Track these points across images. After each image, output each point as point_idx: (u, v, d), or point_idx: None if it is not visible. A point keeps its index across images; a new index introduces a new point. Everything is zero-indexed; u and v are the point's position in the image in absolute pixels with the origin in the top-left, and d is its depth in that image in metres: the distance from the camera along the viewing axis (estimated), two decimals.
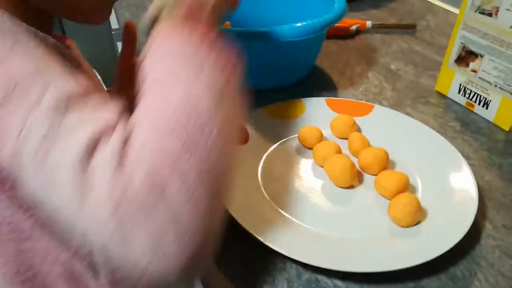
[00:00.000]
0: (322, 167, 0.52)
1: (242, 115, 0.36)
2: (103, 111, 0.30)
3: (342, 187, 0.49)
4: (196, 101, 0.30)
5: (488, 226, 0.46)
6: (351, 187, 0.49)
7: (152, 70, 0.33)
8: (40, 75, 0.30)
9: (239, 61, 0.36)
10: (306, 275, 0.41)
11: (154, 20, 0.39)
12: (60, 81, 0.30)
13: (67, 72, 0.32)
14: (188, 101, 0.30)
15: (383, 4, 1.03)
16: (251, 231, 0.42)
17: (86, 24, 0.43)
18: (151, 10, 0.40)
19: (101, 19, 0.43)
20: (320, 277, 0.41)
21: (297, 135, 0.56)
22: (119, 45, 1.41)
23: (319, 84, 0.72)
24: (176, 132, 0.29)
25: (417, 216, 0.44)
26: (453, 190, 0.48)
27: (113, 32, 1.35)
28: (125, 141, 0.29)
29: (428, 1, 1.05)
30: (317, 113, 0.60)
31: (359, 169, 0.52)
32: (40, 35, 0.34)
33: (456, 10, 0.99)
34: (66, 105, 0.29)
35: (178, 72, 0.32)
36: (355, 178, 0.49)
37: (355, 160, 0.52)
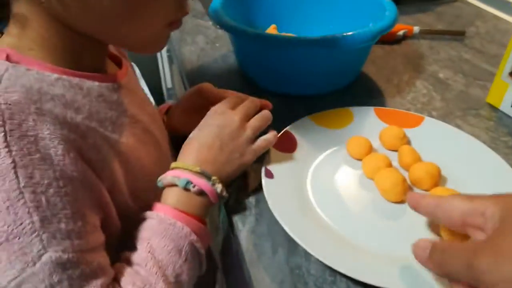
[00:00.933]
0: (372, 179, 0.51)
1: None
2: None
3: (392, 202, 0.49)
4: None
5: None
6: (401, 202, 0.49)
7: (139, 249, 0.42)
8: (43, 229, 0.33)
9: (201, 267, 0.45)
10: None
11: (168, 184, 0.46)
12: (60, 243, 0.34)
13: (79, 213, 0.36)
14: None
15: (430, 8, 1.01)
16: (300, 242, 0.42)
17: (142, 53, 0.45)
18: (169, 178, 0.45)
19: (158, 48, 0.46)
20: None
21: (345, 144, 0.56)
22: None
23: (366, 91, 0.71)
24: None
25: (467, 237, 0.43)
26: None
27: None
28: None
29: (477, 6, 1.02)
30: (365, 123, 0.60)
31: (410, 183, 0.51)
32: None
33: (505, 16, 0.96)
34: (61, 275, 0.33)
35: (153, 272, 0.40)
36: (406, 193, 0.48)
37: (405, 174, 0.52)
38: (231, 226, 0.49)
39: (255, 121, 0.52)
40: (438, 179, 0.50)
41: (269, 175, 0.50)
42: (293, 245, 0.45)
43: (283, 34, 0.76)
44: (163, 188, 0.46)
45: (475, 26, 0.93)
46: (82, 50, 0.42)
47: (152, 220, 0.43)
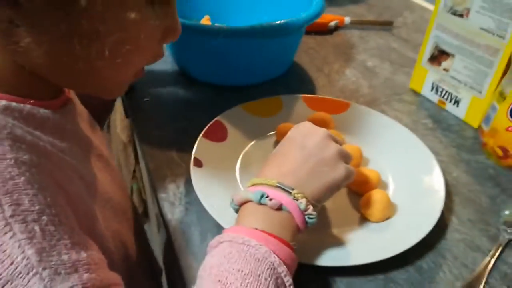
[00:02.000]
0: None
1: None
2: None
3: None
4: None
5: (454, 220, 0.49)
6: None
7: (209, 271, 0.33)
8: (42, 264, 0.26)
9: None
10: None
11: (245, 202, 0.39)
12: (66, 279, 0.27)
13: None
14: None
15: (361, 0, 1.05)
16: (224, 225, 0.43)
17: (103, 97, 0.43)
18: (243, 194, 0.39)
19: (121, 94, 0.41)
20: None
21: (275, 132, 0.58)
22: None
23: (298, 80, 0.73)
24: None
25: (387, 212, 0.46)
26: (423, 186, 0.50)
27: None
28: None
29: None
30: (294, 111, 0.61)
31: None
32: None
33: (432, 7, 1.01)
34: None
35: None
36: None
37: None
38: (161, 217, 0.50)
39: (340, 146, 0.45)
40: (359, 161, 0.53)
41: (198, 164, 0.51)
42: (221, 232, 0.46)
43: (216, 25, 0.76)
44: (237, 210, 0.40)
45: (403, 16, 0.97)
46: (35, 84, 0.36)
47: (222, 244, 0.35)
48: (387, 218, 0.47)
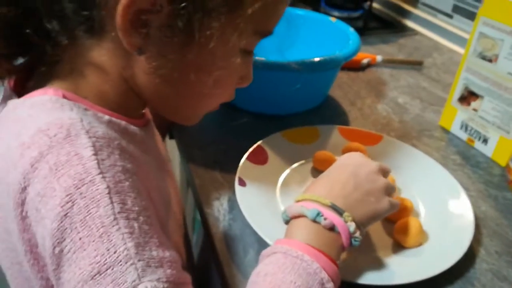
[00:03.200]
0: None
1: None
2: None
3: None
4: None
5: (482, 251, 0.51)
6: None
7: (262, 281, 0.37)
8: (138, 257, 0.30)
9: None
10: None
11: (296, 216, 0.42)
12: (155, 272, 0.30)
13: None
14: None
15: (392, 40, 1.10)
16: (270, 242, 0.47)
17: (178, 122, 0.48)
18: (296, 208, 0.42)
19: (193, 123, 0.47)
20: None
21: (311, 158, 0.62)
22: None
23: (332, 112, 0.77)
24: None
25: (420, 238, 0.49)
26: (452, 217, 0.53)
27: None
28: None
29: (435, 40, 1.12)
30: (330, 140, 0.66)
31: None
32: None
33: (460, 50, 1.06)
34: None
35: None
36: None
37: None
38: (206, 230, 0.54)
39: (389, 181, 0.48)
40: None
41: (242, 183, 0.55)
42: (263, 246, 0.49)
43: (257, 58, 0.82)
44: (287, 221, 0.43)
45: (432, 57, 1.02)
46: (131, 104, 0.42)
47: (276, 254, 0.38)
48: (420, 245, 0.50)
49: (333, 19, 0.83)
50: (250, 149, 0.60)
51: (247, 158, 0.59)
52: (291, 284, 0.35)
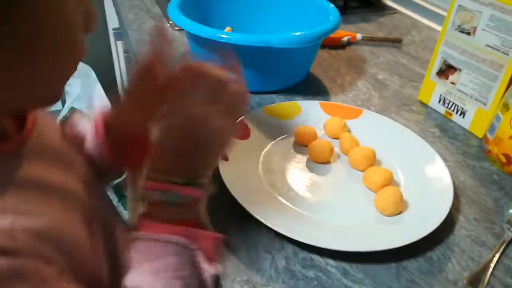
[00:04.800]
0: (317, 163, 0.57)
1: None
2: None
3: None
4: None
5: (461, 218, 0.53)
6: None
7: (134, 275, 0.35)
8: None
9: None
10: (302, 254, 0.46)
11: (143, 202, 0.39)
12: None
13: None
14: None
15: (372, 19, 1.10)
16: (253, 213, 0.47)
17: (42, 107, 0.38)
18: (155, 194, 0.39)
19: (57, 100, 0.37)
20: (315, 257, 0.46)
21: (293, 133, 0.62)
22: (119, 44, 1.45)
23: (313, 89, 0.77)
24: None
25: (400, 206, 0.50)
26: (431, 185, 0.54)
27: (113, 32, 1.39)
28: None
29: (414, 18, 1.13)
30: (311, 115, 0.66)
31: (349, 165, 0.57)
32: None
33: (438, 28, 1.07)
34: None
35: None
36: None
37: (345, 158, 0.58)
38: None
39: None
40: (373, 161, 0.57)
41: (224, 157, 0.54)
42: (246, 218, 0.49)
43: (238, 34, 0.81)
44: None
45: (411, 35, 1.03)
46: None
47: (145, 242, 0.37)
48: (400, 213, 0.50)
49: None
50: None
51: None
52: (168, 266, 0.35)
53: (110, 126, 0.48)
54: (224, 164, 0.53)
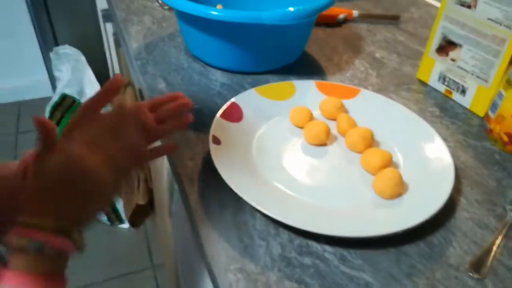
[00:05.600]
0: (312, 144, 0.55)
1: None
2: None
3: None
4: None
5: (462, 200, 0.51)
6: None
7: None
8: None
9: None
10: (298, 240, 0.44)
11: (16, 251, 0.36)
12: None
13: None
14: None
15: None
16: (246, 199, 0.45)
17: None
18: (21, 241, 0.36)
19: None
20: (310, 242, 0.44)
21: (288, 114, 0.59)
22: (108, 26, 1.41)
23: (309, 68, 0.75)
24: None
25: (399, 189, 0.48)
26: (432, 167, 0.52)
27: (101, 13, 1.34)
28: None
29: None
30: (307, 95, 0.63)
31: (346, 147, 0.55)
32: None
33: (437, 4, 1.03)
34: None
35: None
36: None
37: (342, 139, 0.56)
38: (180, 192, 0.51)
39: None
40: (371, 142, 0.54)
41: (216, 141, 0.52)
42: (239, 205, 0.47)
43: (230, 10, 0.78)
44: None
45: (409, 12, 0.99)
46: None
47: None
48: (399, 196, 0.48)
49: None
50: (224, 107, 0.58)
51: (221, 116, 0.56)
52: None
53: None
54: (216, 148, 0.51)
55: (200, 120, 0.59)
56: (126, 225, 1.72)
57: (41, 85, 2.07)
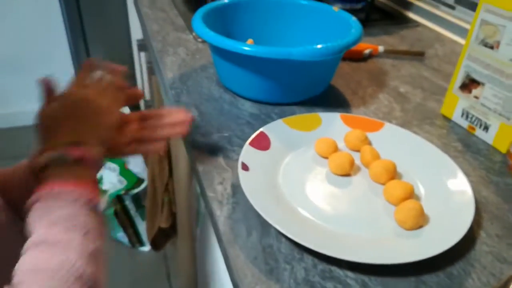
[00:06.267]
0: (337, 174, 0.58)
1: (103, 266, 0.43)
2: None
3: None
4: (71, 265, 0.38)
5: (482, 234, 0.52)
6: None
7: (38, 230, 0.40)
8: None
9: (104, 222, 0.46)
10: (321, 265, 0.47)
11: (44, 166, 0.45)
12: None
13: None
14: (64, 265, 0.38)
15: (395, 31, 1.10)
16: (273, 223, 0.48)
17: None
18: (42, 158, 0.45)
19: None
20: (333, 268, 0.46)
21: (313, 145, 0.62)
22: (142, 55, 1.49)
23: (334, 101, 0.78)
24: None
25: (420, 220, 0.50)
26: (453, 200, 0.53)
27: (137, 43, 1.42)
28: None
29: (437, 31, 1.12)
30: (332, 127, 0.66)
31: (370, 178, 0.58)
32: None
33: (462, 41, 1.06)
34: None
35: (59, 239, 0.40)
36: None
37: (366, 171, 0.59)
38: (210, 214, 0.54)
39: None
40: (394, 174, 0.57)
41: (245, 168, 0.55)
42: (265, 228, 0.50)
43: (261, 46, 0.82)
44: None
45: (434, 48, 1.02)
46: None
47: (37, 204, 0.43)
48: (420, 227, 0.50)
49: (335, 9, 0.83)
50: (253, 135, 0.61)
51: (250, 144, 0.59)
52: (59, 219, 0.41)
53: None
54: (244, 174, 0.54)
55: (230, 148, 0.63)
56: (146, 248, 1.76)
57: None
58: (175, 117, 0.59)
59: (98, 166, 0.49)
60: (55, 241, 0.39)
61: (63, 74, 2.09)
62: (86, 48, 1.78)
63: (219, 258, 0.53)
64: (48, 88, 0.52)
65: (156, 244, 1.44)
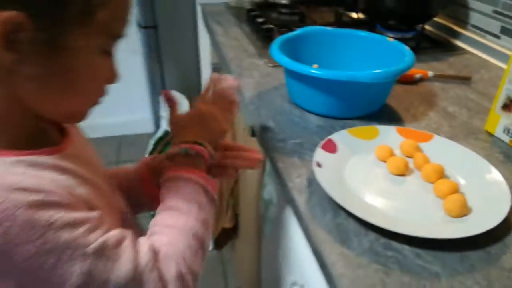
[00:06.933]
0: (393, 174, 0.71)
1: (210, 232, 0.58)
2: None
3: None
4: (191, 226, 0.54)
5: None
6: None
7: (168, 200, 0.56)
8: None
9: (213, 202, 0.60)
10: (383, 240, 0.59)
11: (174, 156, 0.61)
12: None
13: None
14: (186, 225, 0.54)
15: (443, 58, 1.22)
16: (343, 205, 0.61)
17: (63, 123, 0.55)
18: (174, 150, 0.62)
19: (80, 120, 0.53)
20: (393, 242, 0.59)
21: (373, 151, 0.75)
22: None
23: (389, 117, 0.91)
24: (188, 245, 0.52)
25: (464, 209, 0.62)
26: (493, 195, 0.64)
27: (211, 66, 1.61)
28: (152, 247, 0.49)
29: (483, 58, 1.23)
30: (389, 137, 0.79)
31: (422, 179, 0.70)
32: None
33: (506, 67, 1.16)
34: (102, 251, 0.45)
35: (182, 207, 0.55)
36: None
37: (418, 173, 0.71)
38: (291, 200, 0.68)
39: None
40: (442, 174, 0.69)
41: (318, 165, 0.69)
42: (336, 211, 0.63)
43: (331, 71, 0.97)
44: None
45: (480, 73, 1.13)
46: (35, 139, 0.49)
47: (176, 181, 0.58)
48: (464, 215, 0.62)
49: (390, 39, 0.97)
50: (323, 141, 0.75)
51: (321, 147, 0.73)
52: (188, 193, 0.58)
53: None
54: (318, 170, 0.68)
55: (303, 151, 0.77)
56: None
57: (143, 122, 2.42)
58: (251, 154, 0.73)
59: (209, 161, 0.64)
60: (179, 208, 0.55)
61: (136, 89, 2.33)
62: (161, 69, 2.00)
63: (297, 242, 0.66)
64: (168, 98, 0.71)
65: (219, 243, 1.62)
